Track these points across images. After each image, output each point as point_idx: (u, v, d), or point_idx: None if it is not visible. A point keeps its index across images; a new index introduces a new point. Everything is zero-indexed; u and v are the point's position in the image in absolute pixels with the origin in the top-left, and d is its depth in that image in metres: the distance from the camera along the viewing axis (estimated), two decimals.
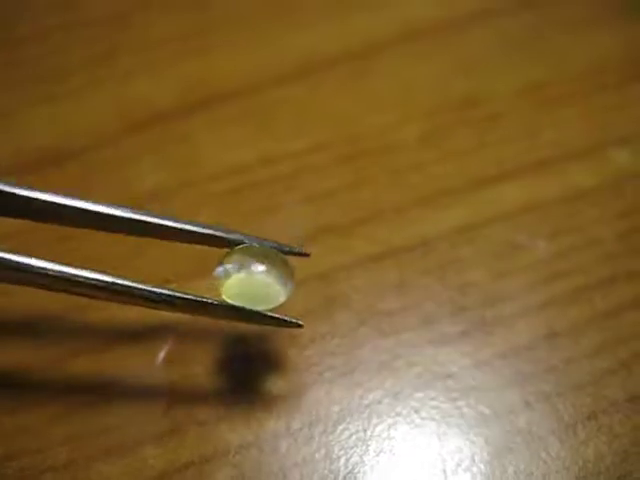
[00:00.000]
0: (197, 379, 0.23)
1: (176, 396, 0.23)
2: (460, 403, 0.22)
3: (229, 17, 0.30)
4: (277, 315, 0.21)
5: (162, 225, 0.21)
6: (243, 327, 0.23)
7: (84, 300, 0.24)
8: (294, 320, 0.21)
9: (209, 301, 0.21)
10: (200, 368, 0.23)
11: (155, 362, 0.23)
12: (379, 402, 0.23)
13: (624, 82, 0.28)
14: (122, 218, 0.21)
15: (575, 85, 0.28)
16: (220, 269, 0.21)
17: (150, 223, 0.21)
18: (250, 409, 0.22)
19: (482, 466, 0.21)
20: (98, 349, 0.23)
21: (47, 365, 0.23)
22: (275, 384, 0.23)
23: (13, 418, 0.22)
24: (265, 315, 0.21)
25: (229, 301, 0.21)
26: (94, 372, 0.23)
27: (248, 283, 0.21)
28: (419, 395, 0.23)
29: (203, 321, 0.24)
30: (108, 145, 0.27)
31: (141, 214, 0.21)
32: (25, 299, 0.24)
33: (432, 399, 0.23)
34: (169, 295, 0.21)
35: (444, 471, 0.21)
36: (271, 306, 0.21)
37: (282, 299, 0.21)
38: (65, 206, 0.21)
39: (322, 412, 0.22)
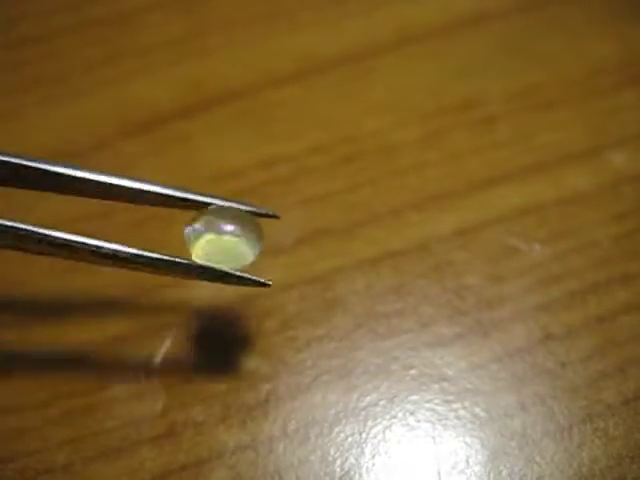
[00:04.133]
0: (193, 381, 0.23)
1: (172, 398, 0.23)
2: (455, 406, 0.22)
3: (227, 20, 0.30)
4: (244, 274, 0.21)
5: (129, 188, 0.21)
6: (239, 330, 0.24)
7: (76, 301, 0.24)
8: (261, 279, 0.21)
9: (175, 259, 0.20)
10: (196, 370, 0.23)
11: (152, 364, 0.23)
12: (375, 405, 0.23)
13: (620, 85, 0.28)
14: (88, 180, 0.21)
15: (571, 88, 0.28)
16: (189, 229, 0.21)
17: (116, 185, 0.21)
18: (246, 411, 0.22)
19: (477, 469, 0.22)
20: (94, 351, 0.23)
21: (42, 367, 0.23)
22: (271, 386, 0.23)
23: (11, 420, 0.22)
24: (231, 274, 0.21)
25: (198, 261, 0.21)
26: (90, 374, 0.23)
27: (216, 243, 0.21)
28: (415, 398, 0.23)
29: (199, 324, 0.24)
30: (107, 147, 0.27)
31: (105, 175, 0.21)
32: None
33: (428, 402, 0.23)
34: (134, 254, 0.20)
35: (439, 473, 0.22)
36: (239, 266, 0.21)
37: (251, 259, 0.21)
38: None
39: (318, 414, 0.22)
